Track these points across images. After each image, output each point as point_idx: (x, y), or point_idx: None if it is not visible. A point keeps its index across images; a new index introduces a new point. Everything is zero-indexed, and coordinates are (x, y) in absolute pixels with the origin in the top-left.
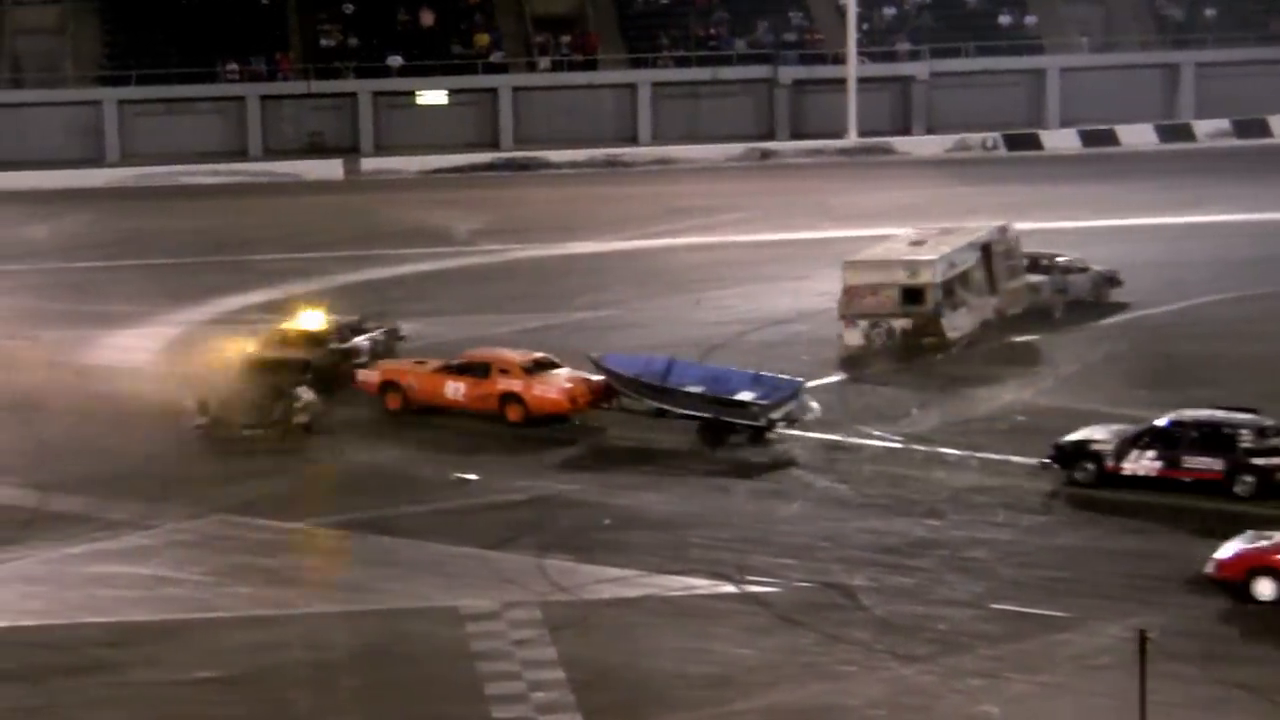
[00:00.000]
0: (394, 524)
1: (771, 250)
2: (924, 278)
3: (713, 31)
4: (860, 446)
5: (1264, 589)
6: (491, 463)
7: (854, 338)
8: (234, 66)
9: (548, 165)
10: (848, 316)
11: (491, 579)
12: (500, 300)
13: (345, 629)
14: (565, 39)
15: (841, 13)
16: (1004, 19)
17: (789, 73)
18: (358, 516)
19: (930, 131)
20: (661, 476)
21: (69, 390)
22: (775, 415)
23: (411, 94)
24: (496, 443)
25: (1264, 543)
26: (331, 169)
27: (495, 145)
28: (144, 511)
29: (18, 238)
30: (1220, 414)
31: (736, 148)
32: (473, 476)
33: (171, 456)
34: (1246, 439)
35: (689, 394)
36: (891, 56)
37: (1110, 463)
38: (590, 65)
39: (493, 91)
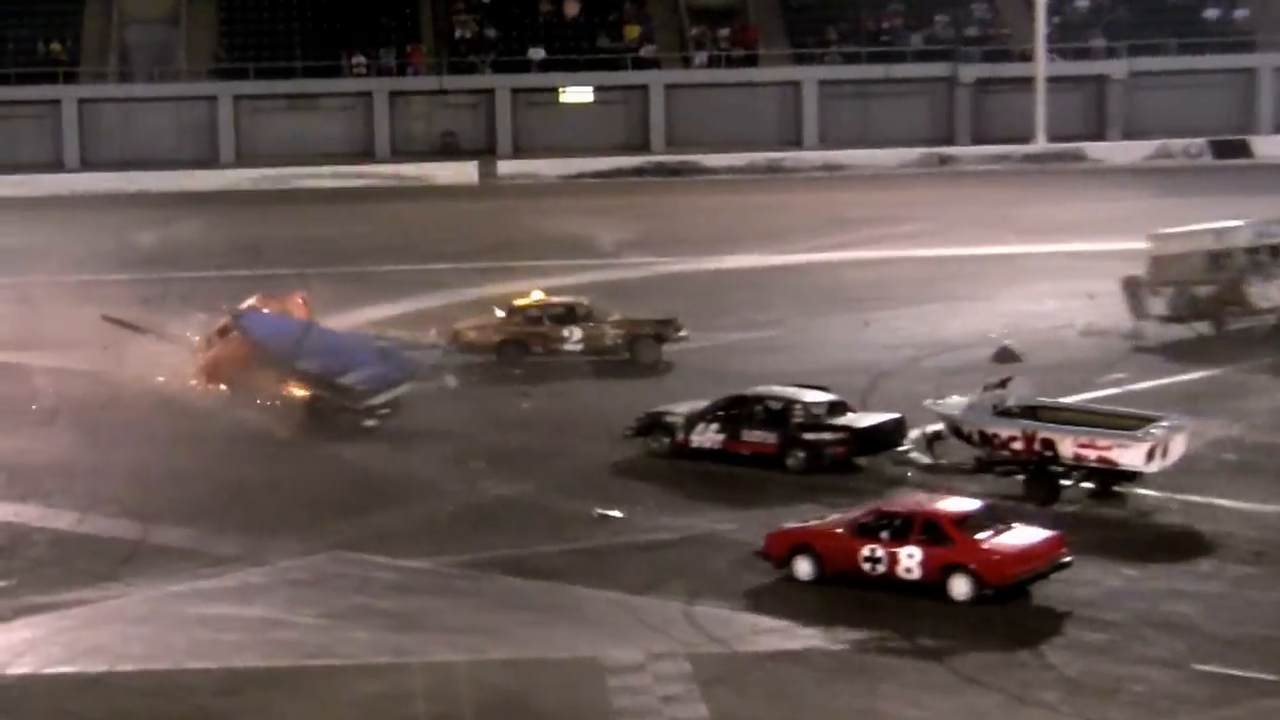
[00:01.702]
0: (529, 564)
1: (949, 267)
2: (1229, 242)
3: (886, 25)
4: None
5: (803, 568)
6: (639, 497)
7: (1158, 307)
8: (360, 60)
9: (702, 170)
10: (1154, 285)
11: (636, 627)
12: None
13: (473, 680)
14: (723, 32)
15: (1029, 5)
16: (1211, 13)
17: (970, 71)
18: (489, 555)
19: (1127, 137)
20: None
21: (173, 409)
22: (378, 401)
23: (554, 91)
24: (644, 476)
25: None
26: (465, 172)
27: (645, 148)
28: (253, 546)
29: (125, 244)
30: (780, 390)
31: (911, 153)
32: (617, 513)
33: (284, 485)
34: (799, 415)
35: (300, 370)
36: (1085, 54)
37: (680, 435)
38: (750, 61)
39: (643, 89)
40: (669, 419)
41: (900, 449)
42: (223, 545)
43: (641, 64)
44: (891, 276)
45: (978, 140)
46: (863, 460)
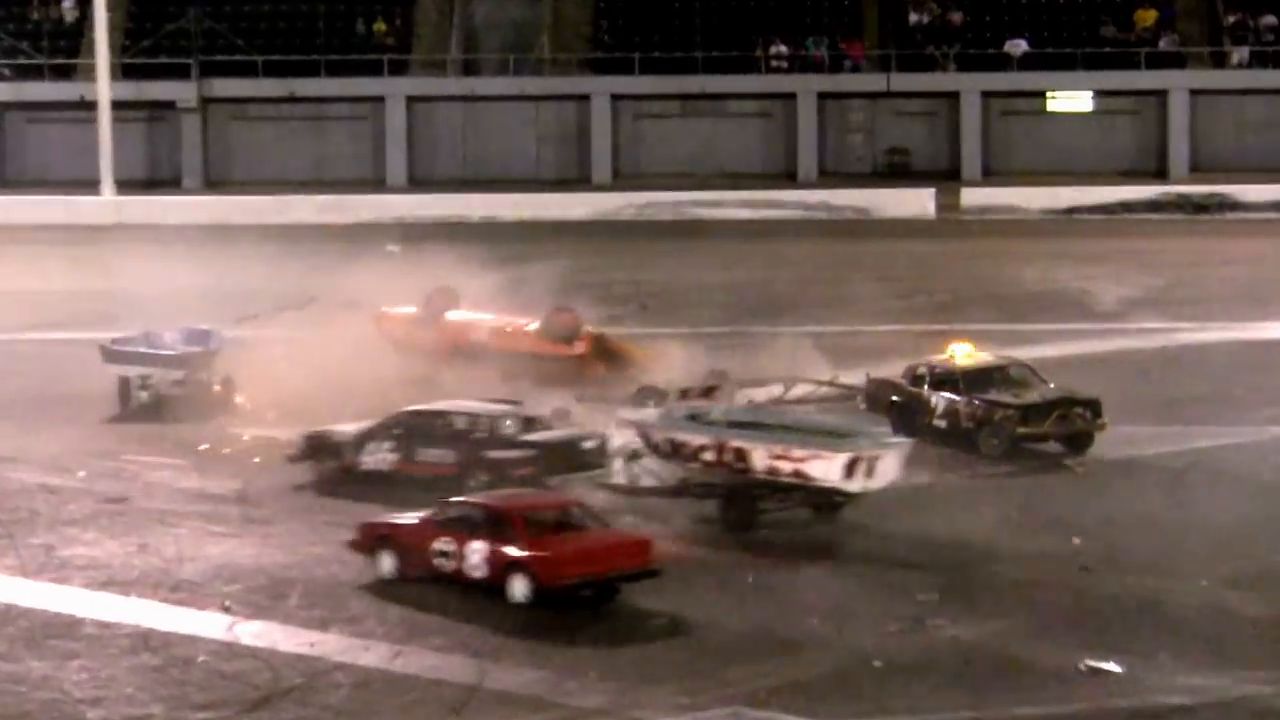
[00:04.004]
0: None
1: None
2: None
3: None
4: None
5: (385, 564)
6: (1141, 642)
7: None
8: (781, 50)
9: (1239, 206)
10: None
11: None
12: (1165, 403)
13: None
14: (1268, 20)
15: None
16: None
17: None
18: (937, 719)
19: None
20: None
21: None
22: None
23: (1040, 96)
24: (1153, 610)
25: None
26: (919, 202)
27: (1162, 174)
28: (622, 695)
29: (468, 288)
30: (460, 404)
31: None
32: (1112, 667)
33: (662, 613)
34: (483, 431)
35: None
36: None
37: (349, 456)
38: None
39: (1160, 95)
40: (336, 438)
41: (600, 469)
42: (582, 693)
43: (1159, 61)
44: None
45: None
46: (555, 481)
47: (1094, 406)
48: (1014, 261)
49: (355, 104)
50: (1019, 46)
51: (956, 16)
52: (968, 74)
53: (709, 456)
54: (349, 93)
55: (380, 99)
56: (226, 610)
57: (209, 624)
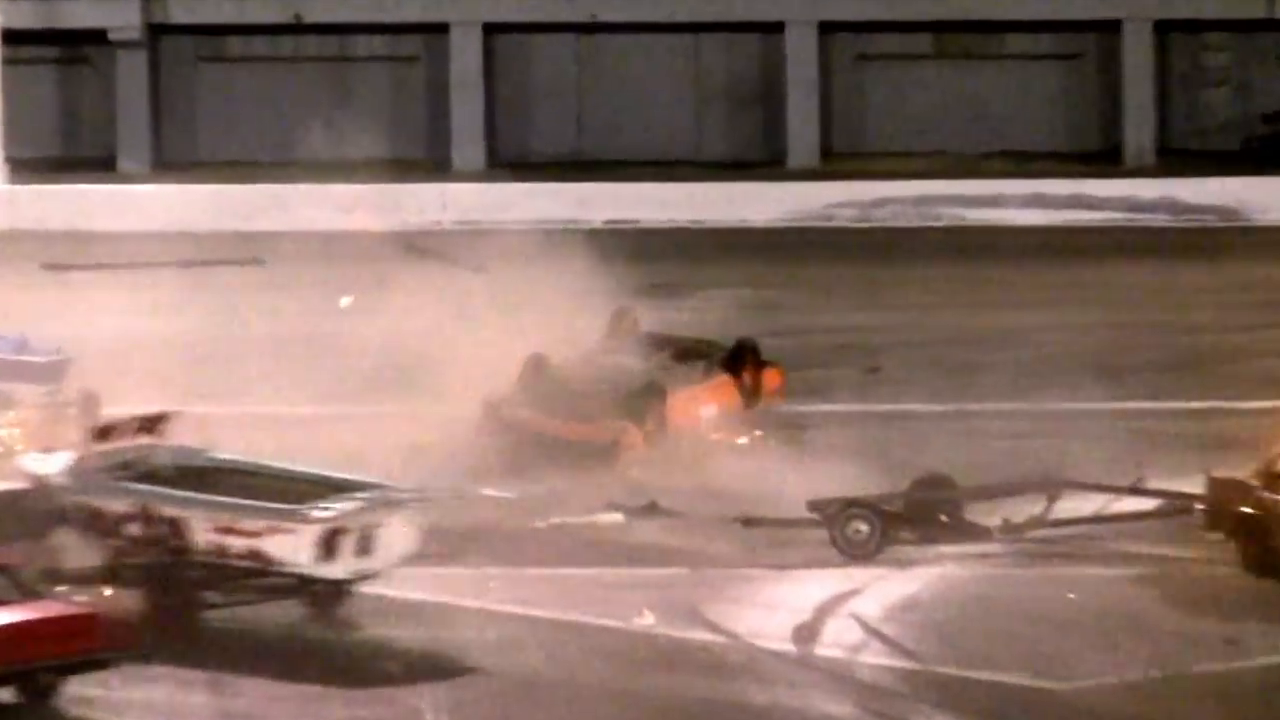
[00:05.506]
0: None
1: None
2: None
3: None
4: None
5: None
6: None
7: None
8: None
9: None
10: None
11: None
12: None
13: None
14: None
15: None
16: None
17: None
18: None
19: None
20: None
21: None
22: None
23: None
24: None
25: None
26: None
27: None
28: None
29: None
30: None
31: None
32: None
33: None
34: None
35: None
36: None
37: None
38: None
39: None
40: None
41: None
42: None
43: None
44: None
45: None
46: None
47: None
48: None
49: (399, 36)
50: None
51: None
52: None
53: (135, 530)
54: (388, 18)
55: (441, 28)
56: None
57: None
